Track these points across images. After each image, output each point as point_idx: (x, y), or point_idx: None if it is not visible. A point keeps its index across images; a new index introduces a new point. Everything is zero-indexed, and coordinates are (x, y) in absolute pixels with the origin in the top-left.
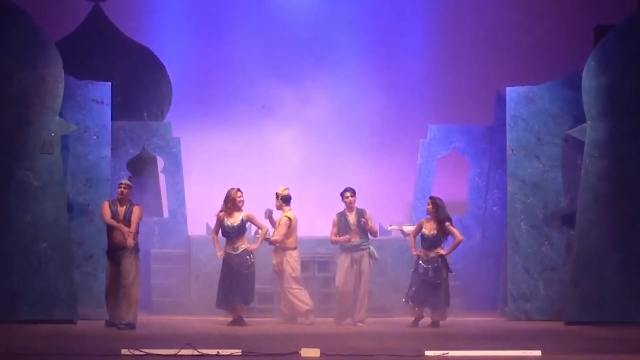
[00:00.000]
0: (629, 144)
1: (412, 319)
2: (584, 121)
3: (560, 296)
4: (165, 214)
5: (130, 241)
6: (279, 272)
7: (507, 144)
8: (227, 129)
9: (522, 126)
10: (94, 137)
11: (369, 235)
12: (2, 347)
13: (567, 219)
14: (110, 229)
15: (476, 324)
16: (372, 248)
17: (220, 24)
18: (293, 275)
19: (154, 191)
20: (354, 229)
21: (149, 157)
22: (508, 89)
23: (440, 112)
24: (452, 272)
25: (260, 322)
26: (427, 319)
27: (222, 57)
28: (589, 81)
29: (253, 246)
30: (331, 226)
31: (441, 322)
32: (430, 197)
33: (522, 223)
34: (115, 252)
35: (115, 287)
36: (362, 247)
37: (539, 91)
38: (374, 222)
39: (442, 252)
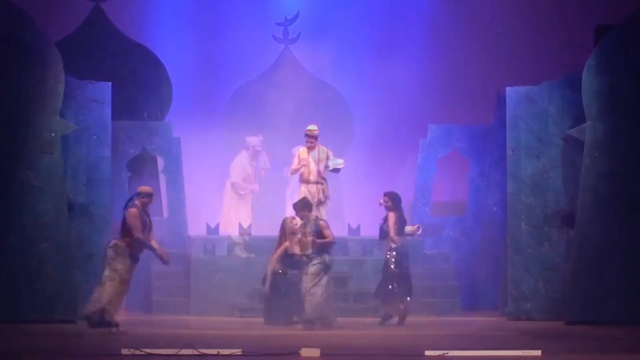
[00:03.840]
0: (629, 144)
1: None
2: (584, 121)
3: (560, 296)
4: (165, 214)
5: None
6: None
7: (507, 144)
8: (227, 129)
9: (522, 126)
10: (94, 137)
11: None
12: (2, 347)
13: (567, 219)
14: None
15: (476, 324)
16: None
17: (220, 24)
18: None
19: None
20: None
21: (149, 157)
22: (508, 89)
23: (440, 112)
24: (393, 268)
25: (260, 322)
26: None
27: (222, 56)
28: (589, 81)
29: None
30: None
31: (385, 318)
32: (385, 193)
33: (522, 223)
34: None
35: None
36: (312, 255)
37: (539, 91)
38: (329, 231)
39: (393, 245)
